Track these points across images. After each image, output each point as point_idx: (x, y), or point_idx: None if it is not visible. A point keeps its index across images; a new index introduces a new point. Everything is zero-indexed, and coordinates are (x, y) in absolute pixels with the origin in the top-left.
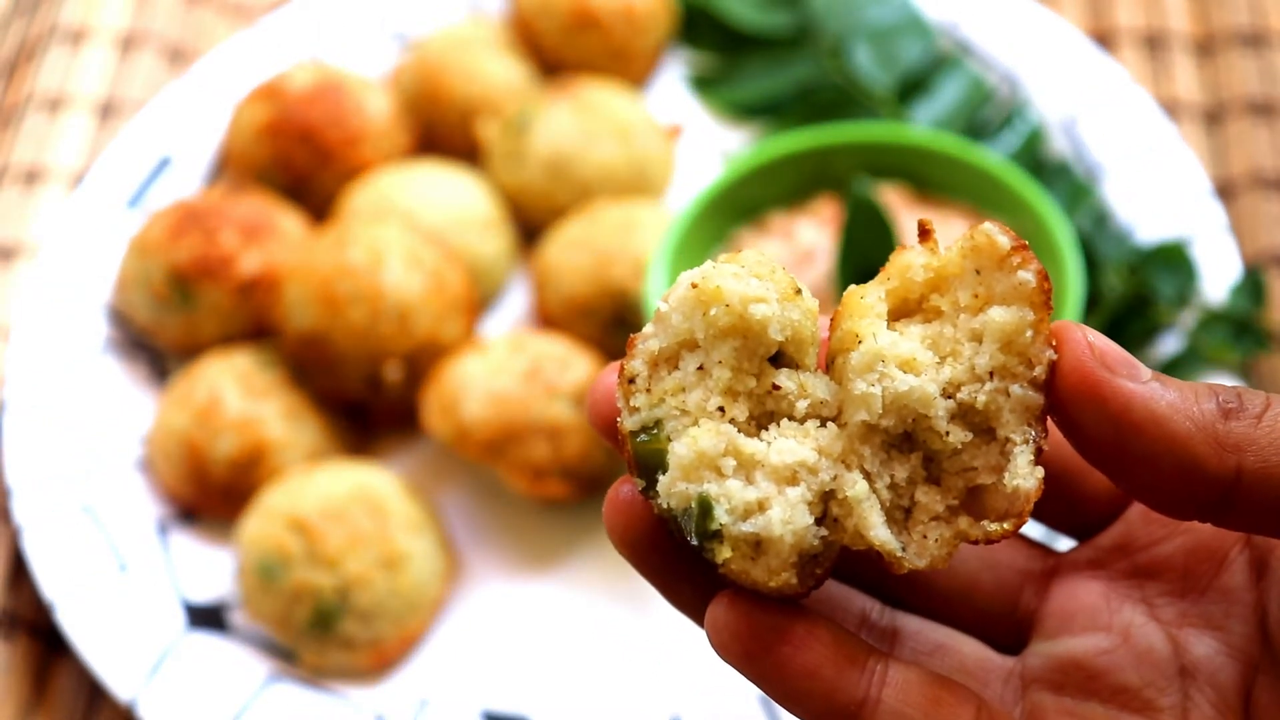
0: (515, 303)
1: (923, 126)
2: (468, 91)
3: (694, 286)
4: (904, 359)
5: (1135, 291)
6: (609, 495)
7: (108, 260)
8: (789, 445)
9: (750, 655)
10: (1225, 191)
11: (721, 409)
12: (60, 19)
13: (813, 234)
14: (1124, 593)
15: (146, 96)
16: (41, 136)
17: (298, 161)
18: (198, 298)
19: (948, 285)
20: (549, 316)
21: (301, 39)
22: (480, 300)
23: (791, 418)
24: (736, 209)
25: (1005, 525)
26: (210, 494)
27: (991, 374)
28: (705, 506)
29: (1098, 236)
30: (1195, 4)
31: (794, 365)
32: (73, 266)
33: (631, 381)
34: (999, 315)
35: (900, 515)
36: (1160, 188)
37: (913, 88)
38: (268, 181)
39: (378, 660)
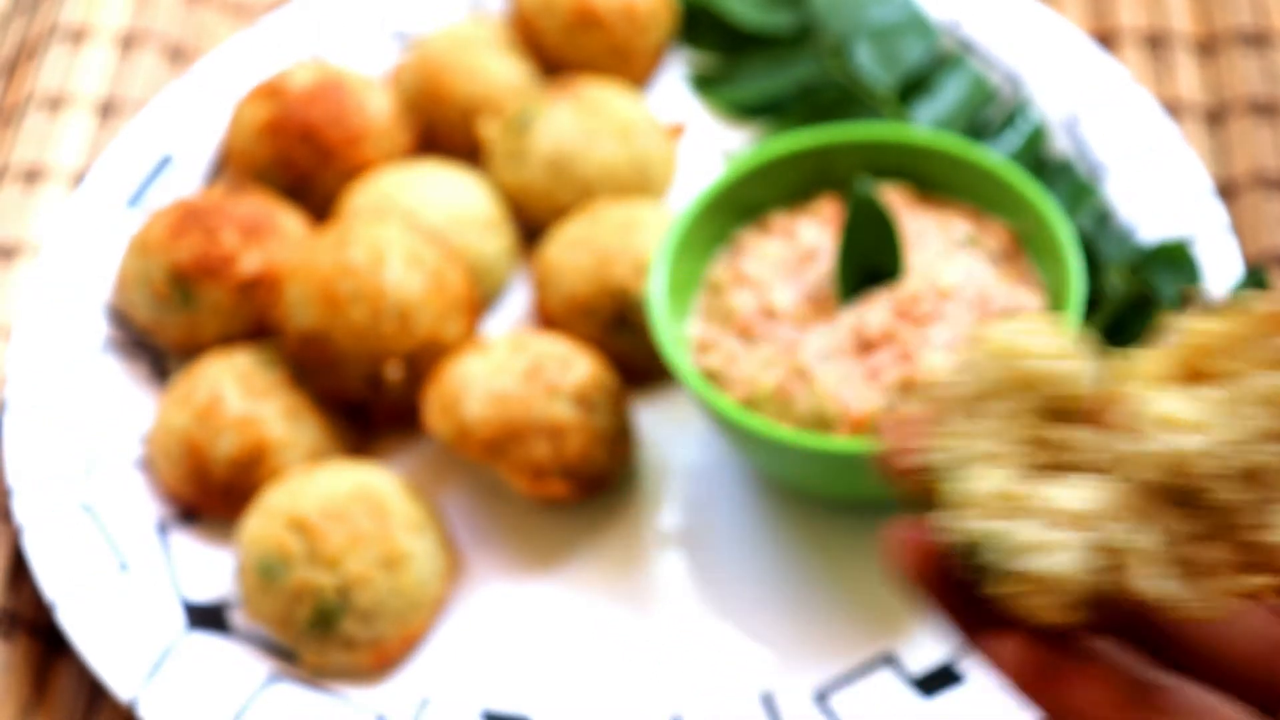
0: (516, 302)
1: (925, 126)
2: (469, 90)
3: (996, 341)
4: (1186, 420)
5: (1137, 292)
6: (893, 537)
7: (108, 260)
8: (1072, 493)
9: (1031, 689)
10: (1227, 191)
11: (1013, 455)
12: (60, 18)
13: (814, 234)
14: None
15: (147, 96)
16: (42, 136)
17: (298, 160)
18: (198, 297)
19: (1229, 350)
20: (550, 316)
21: (302, 38)
22: (481, 300)
23: (1075, 469)
24: (738, 209)
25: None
26: (211, 493)
27: (1275, 435)
28: (995, 542)
29: (1099, 236)
30: (1197, 3)
31: (1076, 420)
32: (73, 266)
33: (931, 424)
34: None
35: (1177, 570)
36: (1162, 187)
37: (915, 87)
38: (268, 180)
39: (379, 660)
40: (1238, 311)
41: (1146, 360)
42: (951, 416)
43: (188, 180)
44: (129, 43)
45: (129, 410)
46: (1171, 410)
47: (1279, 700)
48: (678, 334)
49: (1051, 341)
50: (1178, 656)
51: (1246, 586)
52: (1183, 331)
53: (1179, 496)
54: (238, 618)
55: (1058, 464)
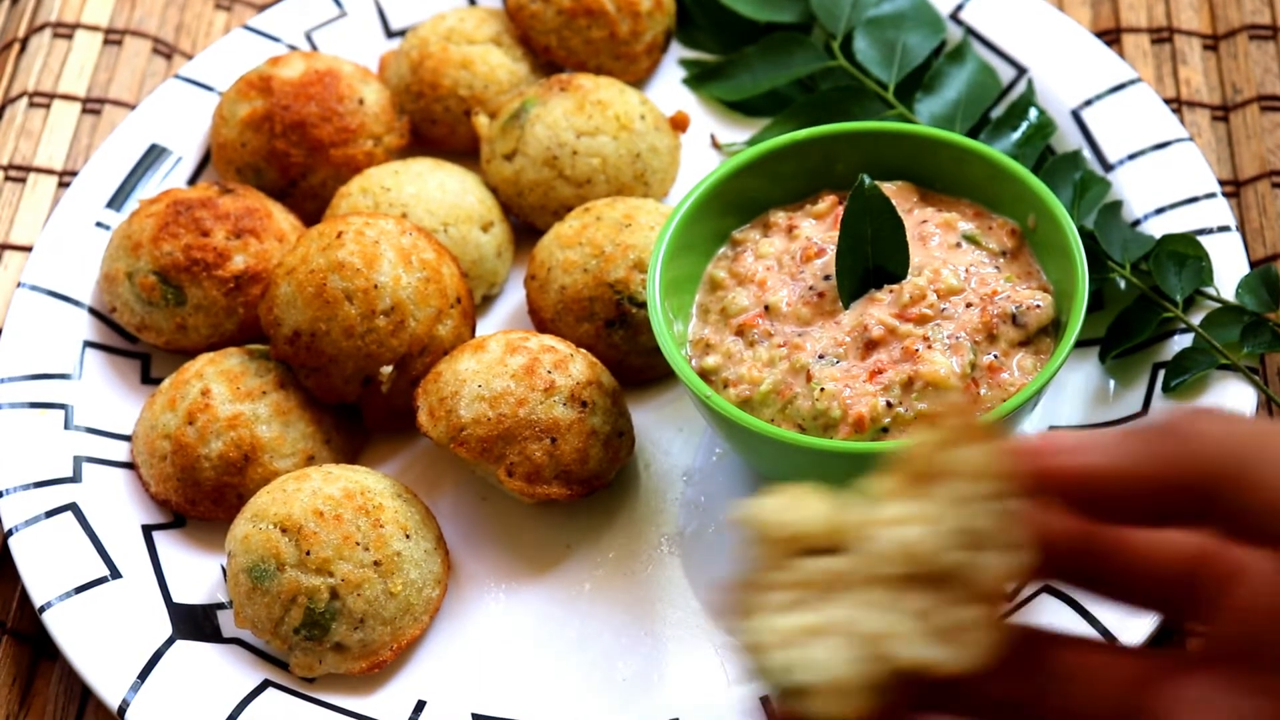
0: (511, 300)
1: (928, 121)
2: (465, 83)
3: (752, 519)
4: (904, 517)
5: (1144, 288)
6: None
7: (95, 258)
8: (831, 610)
9: None
10: (1235, 187)
11: (791, 599)
12: (48, 13)
13: (815, 231)
14: (1240, 682)
15: (135, 92)
16: (28, 132)
17: (289, 155)
18: (187, 295)
19: (940, 458)
20: (546, 315)
21: (292, 30)
22: (476, 298)
23: (845, 588)
24: (737, 206)
25: (991, 604)
26: (200, 496)
27: (977, 502)
28: (780, 671)
29: (1106, 232)
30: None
31: (839, 551)
32: (60, 264)
33: (743, 610)
34: (970, 456)
35: (937, 637)
36: (1169, 183)
37: (920, 80)
38: (258, 176)
39: (371, 664)
40: (939, 428)
41: (882, 484)
42: (758, 590)
43: (177, 177)
44: (117, 38)
45: (117, 411)
46: (891, 514)
47: (1188, 609)
48: (676, 333)
49: (796, 505)
50: (1104, 572)
51: (967, 618)
52: (904, 452)
53: (922, 578)
54: (228, 621)
55: (830, 590)
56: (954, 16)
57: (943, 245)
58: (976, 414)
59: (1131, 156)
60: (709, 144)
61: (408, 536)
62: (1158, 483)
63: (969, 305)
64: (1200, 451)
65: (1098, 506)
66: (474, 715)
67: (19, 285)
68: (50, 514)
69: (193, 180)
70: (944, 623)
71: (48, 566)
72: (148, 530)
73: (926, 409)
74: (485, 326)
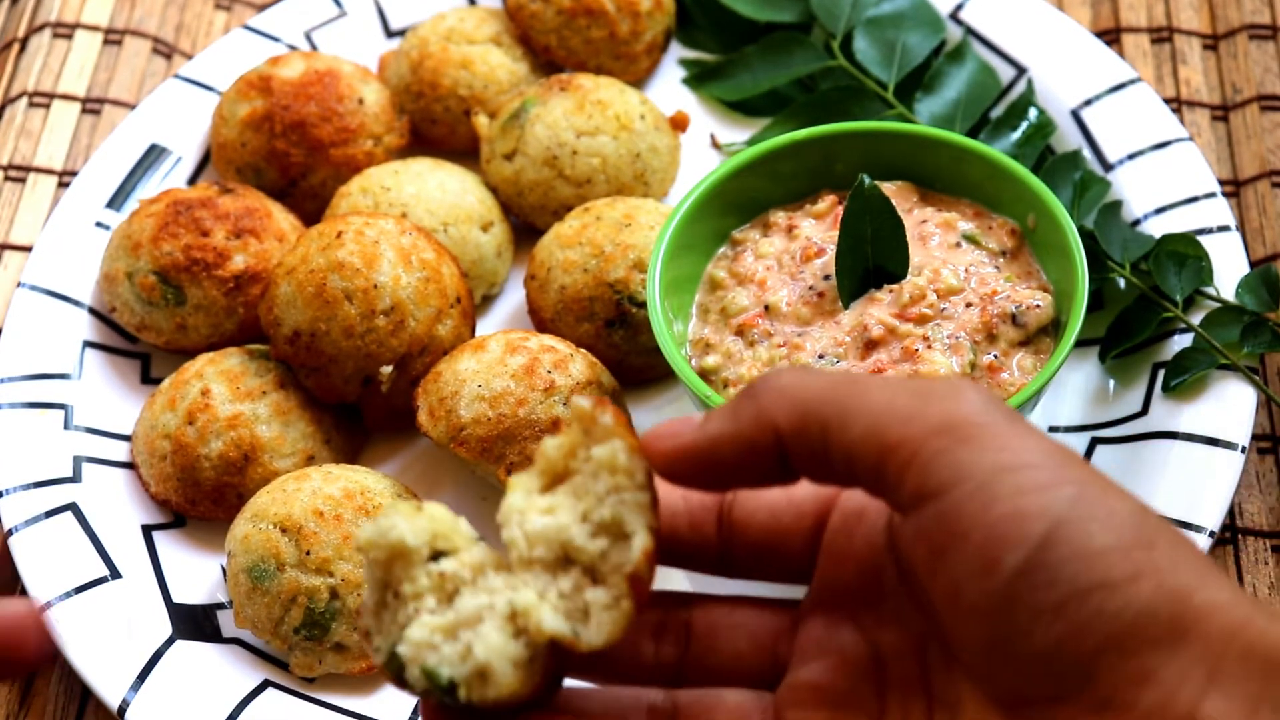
0: (511, 300)
1: (929, 120)
2: (465, 83)
3: (359, 549)
4: (541, 507)
5: (1144, 288)
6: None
7: (95, 258)
8: (469, 601)
9: None
10: (1235, 187)
11: (419, 609)
12: (48, 13)
13: (814, 231)
14: (839, 618)
15: (135, 92)
16: (28, 132)
17: (289, 155)
18: (187, 295)
19: (574, 452)
20: (546, 315)
21: (292, 30)
22: (476, 297)
23: (473, 585)
24: (737, 206)
25: (628, 589)
26: (200, 495)
27: (608, 493)
28: (432, 673)
29: (1106, 232)
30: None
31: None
32: (60, 264)
33: (368, 634)
34: (599, 452)
35: (580, 615)
36: (1169, 183)
37: (920, 80)
38: (258, 176)
39: (371, 664)
40: (570, 429)
41: (521, 483)
42: (381, 613)
43: (177, 177)
44: (117, 38)
45: (117, 411)
46: (519, 505)
47: (802, 567)
48: (676, 333)
49: (379, 526)
50: (696, 677)
51: (603, 596)
52: (539, 452)
53: (565, 563)
54: (227, 623)
55: (477, 582)
56: (954, 16)
57: (943, 245)
58: (603, 415)
59: (1131, 156)
60: (709, 144)
61: None
62: (743, 442)
63: (969, 305)
64: (770, 405)
65: (707, 477)
66: None
67: (19, 285)
68: (50, 514)
69: (193, 180)
70: (582, 602)
71: (48, 566)
72: (148, 530)
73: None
74: (485, 326)
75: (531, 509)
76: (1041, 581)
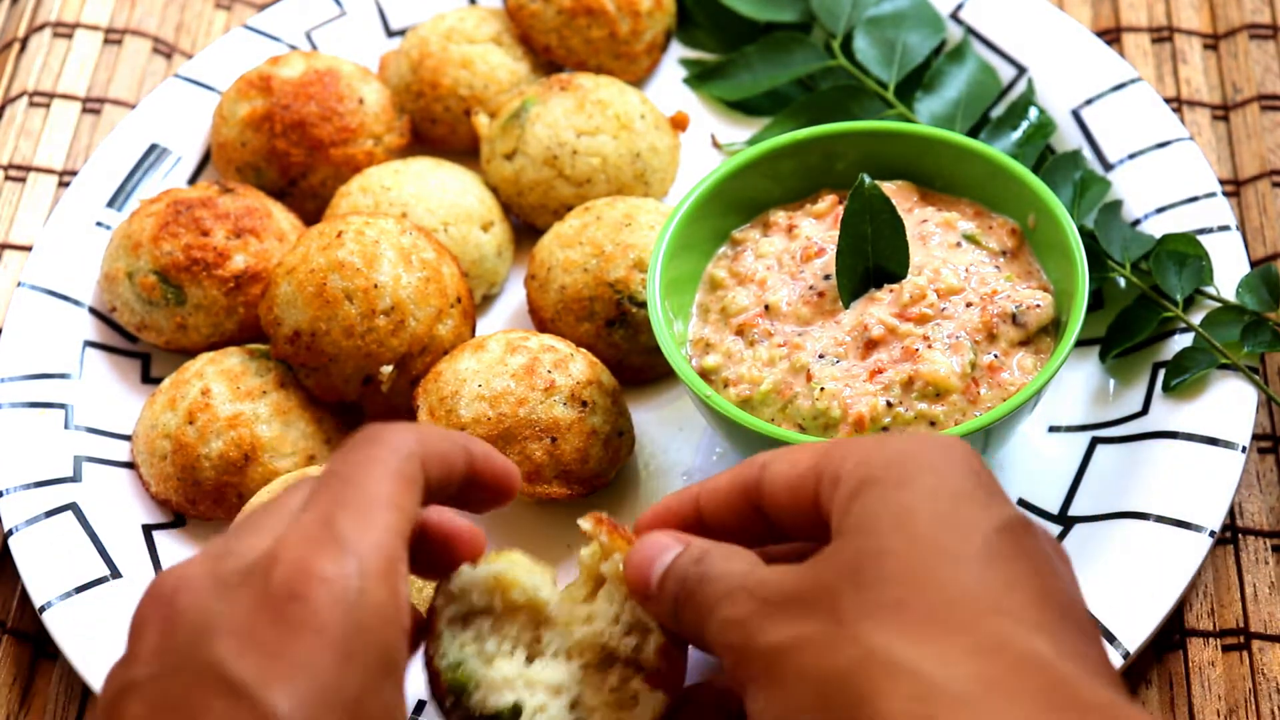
0: (511, 300)
1: (929, 120)
2: (465, 83)
3: (494, 578)
4: (582, 617)
5: (1144, 287)
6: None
7: (95, 257)
8: (549, 671)
9: None
10: (1235, 186)
11: (510, 652)
12: (48, 12)
13: (815, 231)
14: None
15: (135, 91)
16: (28, 132)
17: (289, 155)
18: (187, 295)
19: (608, 555)
20: (546, 314)
21: (292, 29)
22: (476, 297)
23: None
24: (737, 205)
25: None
26: (200, 495)
27: (625, 598)
28: (496, 710)
29: (1106, 232)
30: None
31: (544, 624)
32: (60, 263)
33: (438, 635)
34: (607, 568)
35: (623, 706)
36: (1169, 182)
37: (920, 80)
38: (258, 175)
39: None
40: (593, 541)
41: (570, 594)
42: (454, 628)
43: (177, 176)
44: (117, 37)
45: (117, 411)
46: (564, 618)
47: (814, 526)
48: (676, 332)
49: (527, 576)
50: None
51: (636, 689)
52: (579, 561)
53: (609, 659)
54: None
55: (535, 652)
56: (954, 16)
57: (943, 245)
58: (600, 535)
59: (1131, 156)
60: (709, 144)
61: None
62: (724, 508)
63: (969, 305)
64: (740, 476)
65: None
66: None
67: (19, 285)
68: (50, 514)
69: (193, 180)
70: (624, 695)
71: (48, 566)
72: (148, 530)
73: (925, 409)
74: (485, 326)
75: (575, 620)
76: None
